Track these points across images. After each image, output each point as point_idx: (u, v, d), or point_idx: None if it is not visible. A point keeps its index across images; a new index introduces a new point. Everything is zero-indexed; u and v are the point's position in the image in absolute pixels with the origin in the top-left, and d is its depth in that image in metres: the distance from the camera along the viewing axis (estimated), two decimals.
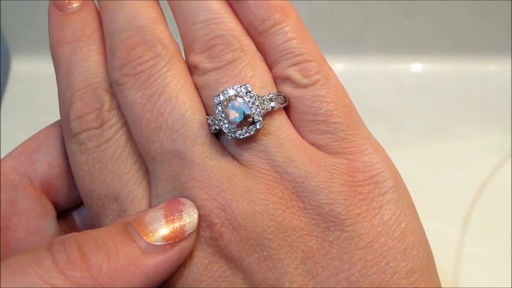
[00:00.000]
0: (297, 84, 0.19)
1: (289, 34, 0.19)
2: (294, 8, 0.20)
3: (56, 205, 0.20)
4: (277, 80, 0.19)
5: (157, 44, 0.18)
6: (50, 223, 0.20)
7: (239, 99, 0.18)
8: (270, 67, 0.19)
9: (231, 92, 0.18)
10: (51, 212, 0.20)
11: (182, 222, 0.16)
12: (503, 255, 0.32)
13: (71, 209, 0.21)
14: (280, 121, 0.18)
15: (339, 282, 0.17)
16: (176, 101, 0.18)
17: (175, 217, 0.16)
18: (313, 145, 0.18)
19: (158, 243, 0.16)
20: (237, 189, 0.17)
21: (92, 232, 0.16)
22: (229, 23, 0.19)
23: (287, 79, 0.19)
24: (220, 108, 0.18)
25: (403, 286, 0.17)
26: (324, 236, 0.17)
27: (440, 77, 0.41)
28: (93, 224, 0.20)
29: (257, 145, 0.18)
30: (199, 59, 0.19)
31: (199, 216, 0.17)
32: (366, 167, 0.18)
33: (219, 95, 0.18)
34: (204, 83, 0.19)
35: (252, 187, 0.17)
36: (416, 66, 0.42)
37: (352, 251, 0.17)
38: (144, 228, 0.16)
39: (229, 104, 0.17)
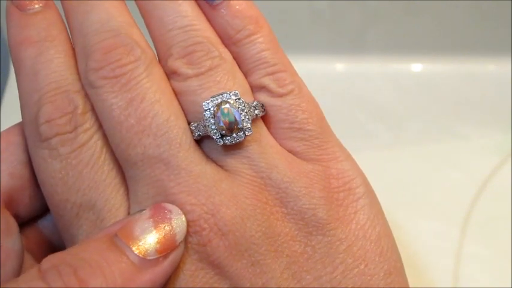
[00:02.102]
0: (272, 93, 0.19)
1: (263, 45, 0.20)
2: (266, 20, 0.20)
3: (15, 218, 0.19)
4: (253, 88, 0.19)
5: (136, 47, 0.18)
6: (14, 239, 0.18)
7: (229, 106, 0.18)
8: (245, 76, 0.19)
9: (221, 98, 0.18)
10: (15, 227, 0.18)
11: (173, 232, 0.16)
12: (503, 255, 0.32)
13: (28, 221, 0.20)
14: (261, 128, 0.19)
15: (322, 285, 0.17)
16: (159, 106, 0.18)
17: (165, 227, 0.16)
18: (289, 152, 0.19)
19: (151, 257, 0.15)
20: (224, 194, 0.17)
21: (80, 252, 0.15)
22: (206, 31, 0.19)
23: (262, 88, 0.19)
24: (208, 114, 0.17)
25: (381, 286, 0.18)
26: (306, 241, 0.18)
27: (440, 77, 0.41)
28: (56, 234, 0.19)
29: (241, 151, 0.18)
30: (178, 65, 0.18)
31: (187, 222, 0.17)
32: (339, 173, 0.19)
33: (208, 101, 0.18)
34: (185, 88, 0.18)
35: (239, 192, 0.17)
36: (416, 66, 0.42)
37: (333, 255, 0.18)
38: (134, 241, 0.15)
39: (220, 110, 0.17)
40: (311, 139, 0.19)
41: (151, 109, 0.17)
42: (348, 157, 0.20)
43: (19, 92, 0.19)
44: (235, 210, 0.17)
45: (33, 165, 0.18)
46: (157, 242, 0.16)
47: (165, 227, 0.16)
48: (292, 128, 0.19)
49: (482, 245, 0.33)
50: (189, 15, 0.19)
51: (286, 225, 0.18)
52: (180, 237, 0.16)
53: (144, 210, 0.16)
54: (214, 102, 0.18)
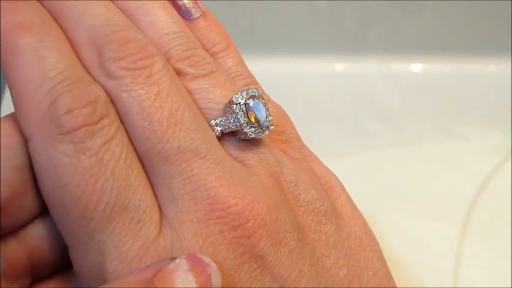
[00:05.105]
0: None
1: (235, 59, 0.21)
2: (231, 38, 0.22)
3: None
4: None
5: (150, 43, 0.18)
6: None
7: (257, 101, 0.18)
8: None
9: (249, 93, 0.18)
10: None
11: None
12: (503, 255, 0.32)
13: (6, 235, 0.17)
14: None
15: (341, 268, 0.18)
16: (186, 101, 0.17)
17: (206, 284, 0.15)
18: None
19: None
20: (257, 187, 0.17)
21: None
22: (195, 39, 0.20)
23: None
24: (239, 107, 0.18)
25: (380, 268, 0.20)
26: (320, 229, 0.19)
27: (440, 77, 0.41)
28: (43, 247, 0.17)
29: (256, 148, 0.19)
30: (182, 66, 0.19)
31: (230, 215, 0.16)
32: (320, 173, 0.21)
33: (237, 95, 0.18)
34: (195, 86, 0.19)
35: (266, 185, 0.18)
36: (416, 66, 0.42)
37: (341, 241, 0.19)
38: None
39: (251, 103, 0.18)
40: (292, 141, 0.21)
41: (181, 103, 0.17)
42: (320, 160, 0.22)
43: (14, 83, 0.17)
44: (270, 201, 0.17)
45: (44, 165, 0.16)
46: None
47: (205, 283, 0.15)
48: (277, 131, 0.20)
49: (482, 246, 0.33)
50: (180, 22, 0.20)
51: (301, 215, 0.18)
52: None
53: (177, 258, 0.15)
54: (245, 96, 0.18)
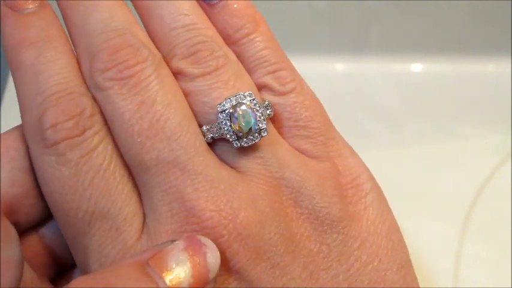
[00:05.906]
0: (274, 92, 0.19)
1: (263, 43, 0.19)
2: (264, 18, 0.20)
3: (15, 226, 0.16)
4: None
5: (143, 48, 0.18)
6: (14, 248, 0.16)
7: (245, 107, 0.17)
8: None
9: (236, 99, 0.17)
10: (15, 236, 0.16)
11: (207, 268, 0.15)
12: (503, 255, 0.32)
13: (27, 229, 0.19)
14: (271, 128, 0.18)
15: (340, 283, 0.17)
16: (171, 109, 0.17)
17: (200, 262, 0.15)
18: (296, 150, 0.19)
19: None
20: (242, 197, 0.17)
21: (111, 278, 0.14)
22: (208, 30, 0.19)
23: (264, 87, 0.19)
24: (224, 115, 0.17)
25: (396, 281, 0.18)
26: (322, 240, 0.18)
27: (440, 77, 0.41)
28: (57, 242, 0.18)
29: (254, 152, 0.18)
30: (184, 65, 0.18)
31: (205, 229, 0.16)
32: (346, 170, 0.19)
33: (223, 102, 0.17)
34: (193, 89, 0.18)
35: (255, 195, 0.17)
36: (416, 66, 0.42)
37: (348, 253, 0.18)
38: (167, 273, 0.14)
39: (236, 112, 0.17)
40: (316, 136, 0.19)
41: (164, 112, 0.17)
42: (353, 153, 0.20)
43: (18, 96, 0.18)
44: (253, 213, 0.17)
45: (38, 173, 0.17)
46: (192, 276, 0.15)
47: (200, 261, 0.15)
48: (297, 126, 0.19)
49: (482, 245, 0.33)
50: (190, 13, 0.19)
51: (301, 225, 0.18)
52: (212, 274, 0.15)
53: (176, 241, 0.15)
54: (230, 103, 0.17)
